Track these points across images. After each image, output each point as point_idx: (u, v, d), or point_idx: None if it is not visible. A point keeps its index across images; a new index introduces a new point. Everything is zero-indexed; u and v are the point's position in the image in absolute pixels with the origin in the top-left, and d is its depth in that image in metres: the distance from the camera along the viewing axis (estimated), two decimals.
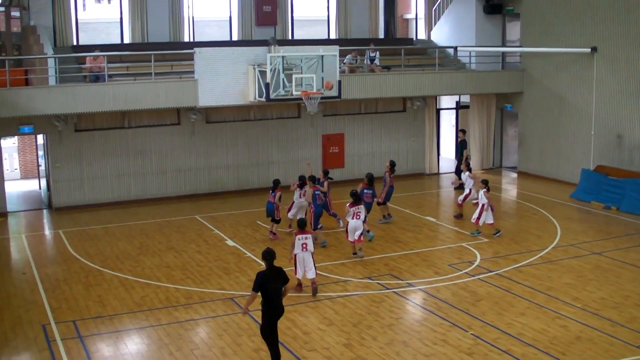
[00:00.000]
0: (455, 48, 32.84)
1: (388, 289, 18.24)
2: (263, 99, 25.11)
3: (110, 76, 26.28)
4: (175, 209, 26.99)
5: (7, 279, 19.52)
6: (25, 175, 34.09)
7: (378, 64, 30.47)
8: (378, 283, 18.68)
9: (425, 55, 34.61)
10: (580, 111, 29.71)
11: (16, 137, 32.60)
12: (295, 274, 17.71)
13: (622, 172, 27.11)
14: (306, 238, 17.66)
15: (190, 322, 16.31)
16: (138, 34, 30.61)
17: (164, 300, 17.63)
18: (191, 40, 32.07)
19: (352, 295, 17.75)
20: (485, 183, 22.98)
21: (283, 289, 13.52)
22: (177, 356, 14.47)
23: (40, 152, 30.25)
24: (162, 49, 29.11)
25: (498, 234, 22.85)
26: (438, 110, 34.23)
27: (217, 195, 28.86)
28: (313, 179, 22.63)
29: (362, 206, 20.83)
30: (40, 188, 30.89)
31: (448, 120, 36.65)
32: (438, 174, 33.40)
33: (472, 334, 15.37)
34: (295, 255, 17.69)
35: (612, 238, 22.79)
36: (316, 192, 22.31)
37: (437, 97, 33.83)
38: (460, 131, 31.19)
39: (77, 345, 15.08)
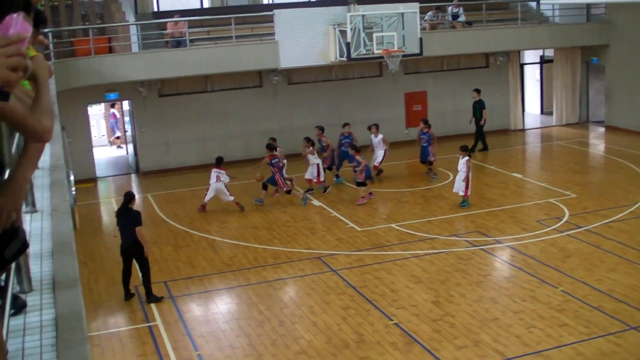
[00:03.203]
0: (538, 1, 32.09)
1: (475, 246, 18.11)
2: (344, 59, 25.04)
3: (191, 41, 26.49)
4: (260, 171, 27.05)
5: (99, 242, 20.01)
6: (112, 142, 34.72)
7: (463, 20, 29.93)
8: (465, 240, 18.56)
9: (507, 9, 33.92)
10: None
11: (102, 104, 33.16)
12: (204, 198, 22.19)
13: None
14: (219, 172, 21.87)
15: (279, 281, 16.47)
16: None
17: (252, 260, 17.84)
18: (270, 2, 32.06)
19: (440, 253, 17.69)
20: (465, 150, 21.48)
21: (136, 230, 15.29)
22: (266, 315, 14.64)
23: (127, 118, 30.76)
24: (241, 12, 29.15)
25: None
26: (522, 65, 33.61)
27: (301, 156, 28.88)
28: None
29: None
30: (127, 153, 31.45)
31: (532, 75, 36.02)
32: (523, 129, 32.86)
33: (561, 290, 15.19)
34: (210, 184, 21.95)
35: None
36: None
37: (521, 52, 33.19)
38: (475, 91, 29.22)
39: (169, 305, 15.40)
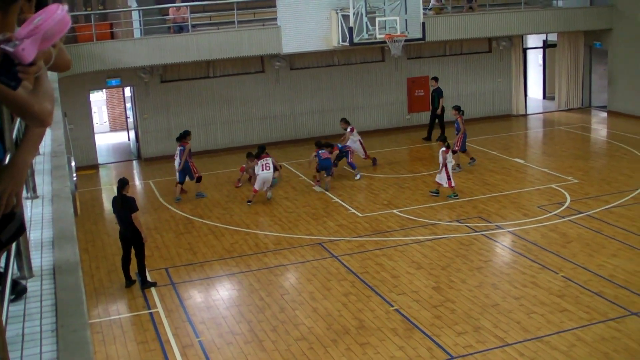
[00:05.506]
0: None
1: (477, 231, 18.13)
2: (347, 44, 25.01)
3: (193, 26, 26.45)
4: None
5: (101, 228, 20.04)
6: (114, 128, 34.73)
7: None
8: (467, 226, 18.58)
9: None
10: None
11: (104, 90, 33.15)
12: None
13: None
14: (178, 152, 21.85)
15: (280, 267, 16.52)
16: None
17: (254, 246, 17.87)
18: None
19: (441, 239, 17.71)
20: (443, 140, 21.10)
21: (132, 217, 15.33)
22: (267, 301, 14.69)
23: (128, 105, 30.75)
24: None
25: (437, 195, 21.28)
26: (524, 50, 33.54)
27: (303, 142, 28.89)
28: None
29: (269, 158, 21.39)
30: (129, 140, 31.45)
31: (535, 60, 35.93)
32: (525, 115, 32.78)
33: (562, 276, 15.21)
34: None
35: None
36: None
37: (524, 37, 33.11)
38: (433, 79, 28.83)
39: (170, 291, 15.45)
